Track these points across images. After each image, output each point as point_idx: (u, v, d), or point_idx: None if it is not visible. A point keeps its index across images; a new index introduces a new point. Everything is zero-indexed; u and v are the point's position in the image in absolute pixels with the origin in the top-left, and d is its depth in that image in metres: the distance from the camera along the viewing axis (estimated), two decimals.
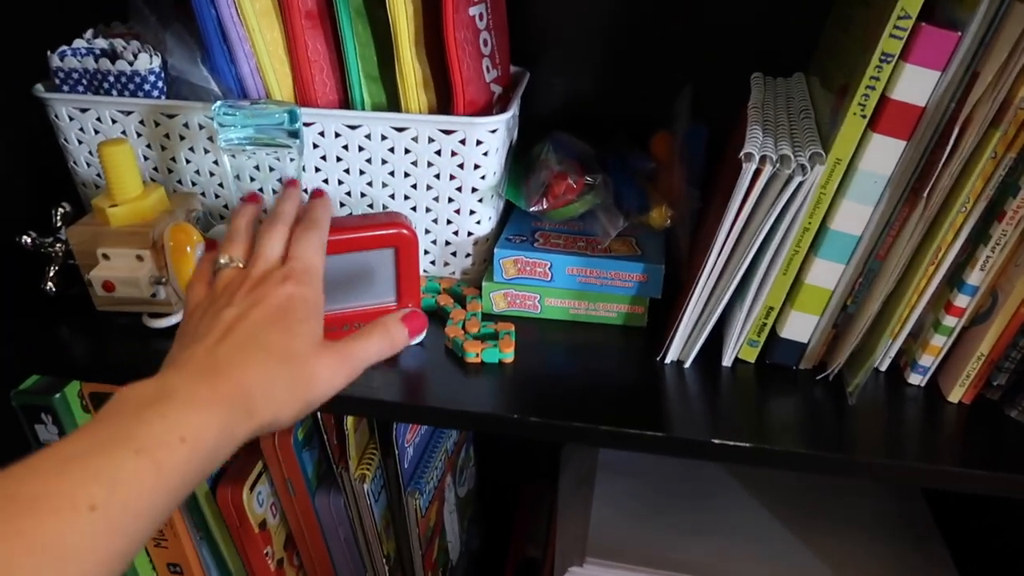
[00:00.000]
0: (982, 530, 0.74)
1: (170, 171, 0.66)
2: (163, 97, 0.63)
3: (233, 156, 0.61)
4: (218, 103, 0.57)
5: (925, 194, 0.49)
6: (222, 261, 0.47)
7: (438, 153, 0.62)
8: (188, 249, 0.59)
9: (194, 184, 0.66)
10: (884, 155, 0.50)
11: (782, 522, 0.75)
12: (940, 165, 0.48)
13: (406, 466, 0.70)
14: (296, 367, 0.41)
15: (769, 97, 0.63)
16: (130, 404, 0.35)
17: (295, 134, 0.59)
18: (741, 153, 0.51)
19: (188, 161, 0.65)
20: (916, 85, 0.47)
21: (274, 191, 0.65)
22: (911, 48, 0.46)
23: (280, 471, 0.71)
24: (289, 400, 0.41)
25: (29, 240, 0.61)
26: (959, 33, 0.46)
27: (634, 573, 0.69)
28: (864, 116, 0.49)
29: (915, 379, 0.57)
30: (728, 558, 0.71)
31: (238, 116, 0.57)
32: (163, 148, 0.65)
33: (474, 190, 0.63)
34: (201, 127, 0.63)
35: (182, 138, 0.64)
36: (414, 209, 0.65)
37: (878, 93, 0.48)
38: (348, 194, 0.65)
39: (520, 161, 0.70)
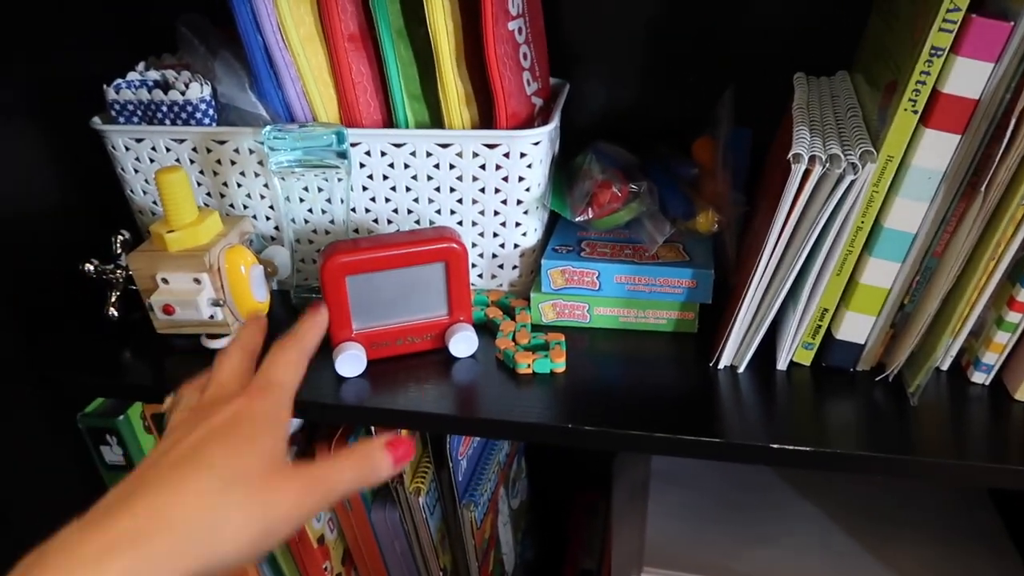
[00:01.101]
0: None
1: (222, 196, 0.68)
2: (214, 124, 0.65)
3: (283, 179, 0.63)
4: (268, 127, 0.59)
5: (983, 188, 0.48)
6: (169, 405, 0.43)
7: (482, 167, 0.62)
8: (243, 270, 0.60)
9: (246, 207, 0.68)
10: (937, 150, 0.49)
11: (842, 530, 0.73)
12: (997, 158, 0.47)
13: (460, 478, 0.71)
14: (249, 488, 0.35)
15: (814, 97, 0.62)
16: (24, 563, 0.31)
17: (343, 154, 0.60)
18: (790, 154, 0.50)
19: (239, 185, 0.67)
20: (968, 78, 0.46)
21: (323, 211, 0.66)
22: (962, 41, 0.46)
23: None
24: (240, 528, 0.34)
25: (92, 268, 0.63)
26: (1011, 23, 0.45)
27: None
28: (916, 111, 0.48)
29: (979, 378, 0.56)
30: (786, 567, 0.70)
31: (287, 139, 0.59)
32: (215, 174, 0.66)
33: (519, 202, 0.64)
34: (251, 152, 0.65)
35: (233, 163, 0.66)
36: (460, 223, 0.65)
37: (929, 88, 0.47)
38: (395, 211, 0.66)
39: (563, 172, 0.70)
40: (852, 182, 0.50)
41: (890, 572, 0.69)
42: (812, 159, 0.50)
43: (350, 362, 0.58)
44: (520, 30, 0.64)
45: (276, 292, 0.70)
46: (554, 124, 0.63)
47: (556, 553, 0.92)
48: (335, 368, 0.59)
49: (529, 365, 0.58)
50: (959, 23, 0.45)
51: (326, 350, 0.61)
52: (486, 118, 0.64)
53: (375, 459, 0.41)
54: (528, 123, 0.65)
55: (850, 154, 0.50)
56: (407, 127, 0.64)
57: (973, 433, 0.52)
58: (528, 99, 0.66)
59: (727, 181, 0.67)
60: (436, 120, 0.64)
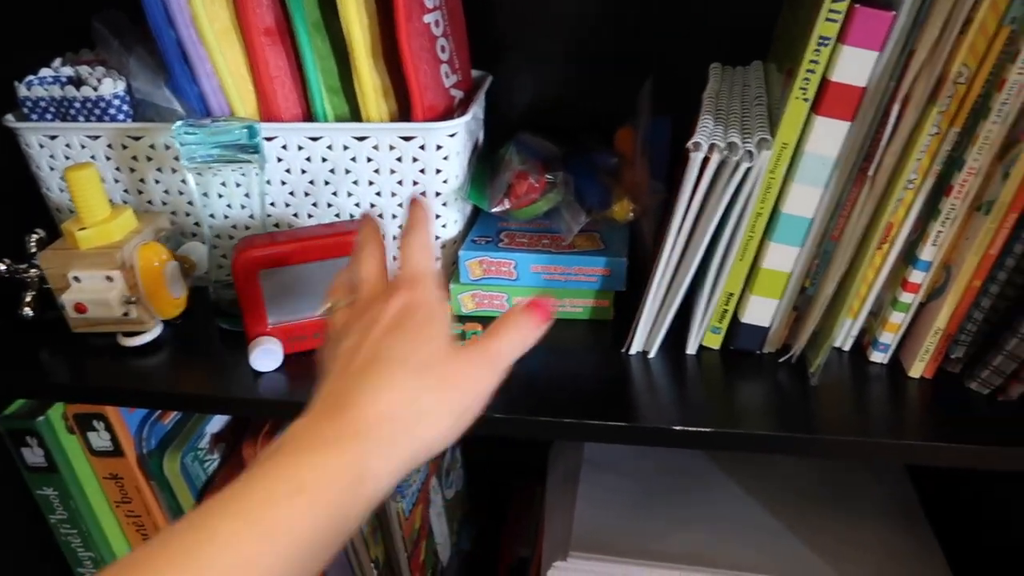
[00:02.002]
0: (964, 506, 0.74)
1: (140, 192, 0.67)
2: (129, 120, 0.64)
3: (199, 174, 0.62)
4: (178, 123, 0.59)
5: (871, 173, 0.50)
6: (328, 307, 0.45)
7: (399, 160, 0.63)
8: (157, 266, 0.60)
9: (164, 204, 0.67)
10: (829, 137, 0.50)
11: (766, 510, 0.75)
12: (883, 144, 0.49)
13: None
14: (436, 373, 0.38)
15: (725, 86, 0.64)
16: (258, 458, 0.34)
17: (255, 149, 0.60)
18: (689, 143, 0.51)
19: (157, 182, 0.66)
20: (855, 66, 0.48)
21: (242, 206, 0.66)
22: (848, 30, 0.47)
23: None
24: (441, 412, 0.37)
25: (4, 267, 0.62)
26: (893, 13, 0.47)
27: (617, 564, 0.70)
28: (807, 100, 0.50)
29: (877, 357, 0.58)
30: (711, 546, 0.71)
31: (199, 135, 0.59)
32: (132, 170, 0.66)
33: (437, 194, 0.64)
34: (167, 147, 0.64)
35: (149, 159, 0.65)
36: (380, 215, 0.66)
37: (818, 76, 0.49)
38: (315, 205, 0.66)
39: (487, 164, 0.71)
40: (749, 169, 0.51)
41: (810, 548, 0.71)
42: (711, 147, 0.51)
43: (265, 356, 0.58)
44: (437, 23, 0.65)
45: (195, 288, 0.70)
46: (470, 116, 0.64)
47: (493, 542, 0.93)
48: (250, 363, 0.59)
49: None
50: (844, 13, 0.47)
51: (245, 343, 0.61)
52: (405, 111, 0.64)
53: (527, 324, 0.42)
54: (447, 115, 0.65)
55: (748, 141, 0.51)
56: (327, 120, 0.64)
57: (872, 410, 0.53)
58: (447, 91, 0.66)
59: (646, 170, 0.68)
60: (356, 113, 0.64)
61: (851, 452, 0.51)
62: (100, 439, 0.69)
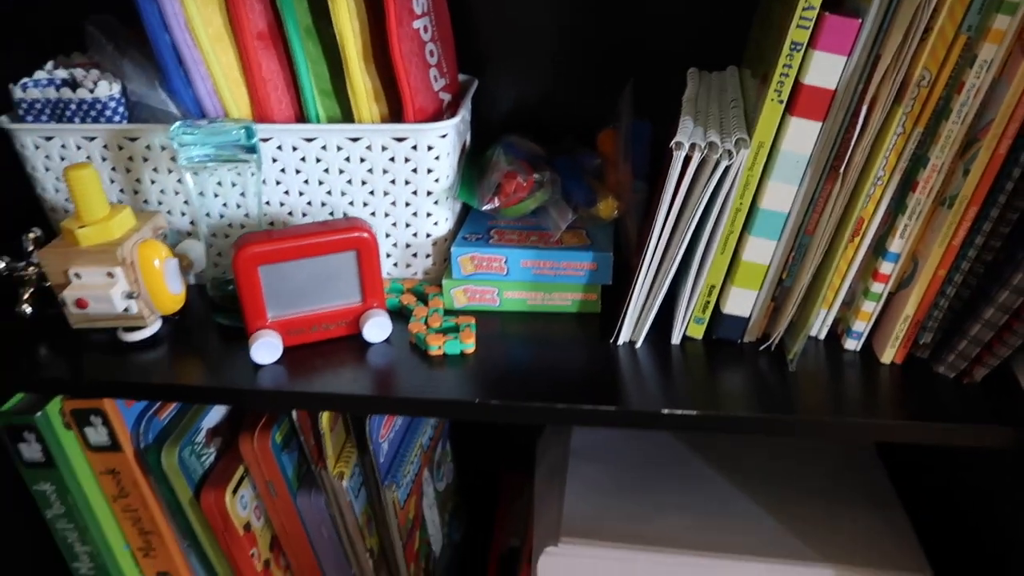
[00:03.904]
0: (934, 490, 0.78)
1: (136, 192, 0.68)
2: (124, 122, 0.66)
3: (196, 174, 0.64)
4: (177, 124, 0.60)
5: (842, 170, 0.53)
6: None
7: (392, 160, 0.65)
8: (156, 264, 0.62)
9: (160, 203, 0.69)
10: (802, 136, 0.53)
11: (746, 495, 0.78)
12: (853, 142, 0.52)
13: (382, 460, 0.73)
14: None
15: (703, 90, 0.67)
16: None
17: (252, 149, 0.61)
18: (672, 142, 0.54)
19: (153, 182, 0.68)
20: (825, 70, 0.51)
21: (237, 205, 0.67)
22: (818, 36, 0.50)
23: (261, 474, 0.73)
24: None
25: (3, 265, 0.63)
26: (860, 20, 0.50)
27: (606, 549, 0.73)
28: (781, 101, 0.53)
29: (851, 344, 0.61)
30: (695, 530, 0.74)
31: (197, 135, 0.60)
32: (128, 171, 0.67)
33: (429, 193, 0.66)
34: (163, 148, 0.66)
35: (145, 160, 0.67)
36: (373, 214, 0.68)
37: (791, 79, 0.52)
38: (309, 204, 0.68)
39: (474, 165, 0.73)
40: (728, 167, 0.54)
41: (788, 531, 0.74)
42: (692, 146, 0.54)
43: (265, 349, 0.60)
44: (426, 28, 0.67)
45: (193, 286, 0.72)
46: (460, 117, 0.66)
47: (484, 534, 0.95)
48: (251, 356, 0.60)
49: (440, 347, 0.61)
50: (814, 20, 0.50)
51: (242, 338, 0.62)
52: (396, 113, 0.67)
53: None
54: (436, 117, 0.67)
55: (727, 141, 0.54)
56: (319, 122, 0.66)
57: (846, 394, 0.57)
58: (435, 94, 0.68)
59: (628, 170, 0.71)
60: (347, 115, 0.66)
61: (826, 432, 0.54)
62: (97, 434, 0.70)
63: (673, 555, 0.72)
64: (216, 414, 0.76)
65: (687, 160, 0.54)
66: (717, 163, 0.54)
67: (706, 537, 0.74)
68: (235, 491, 0.73)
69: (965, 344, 0.55)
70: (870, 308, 0.59)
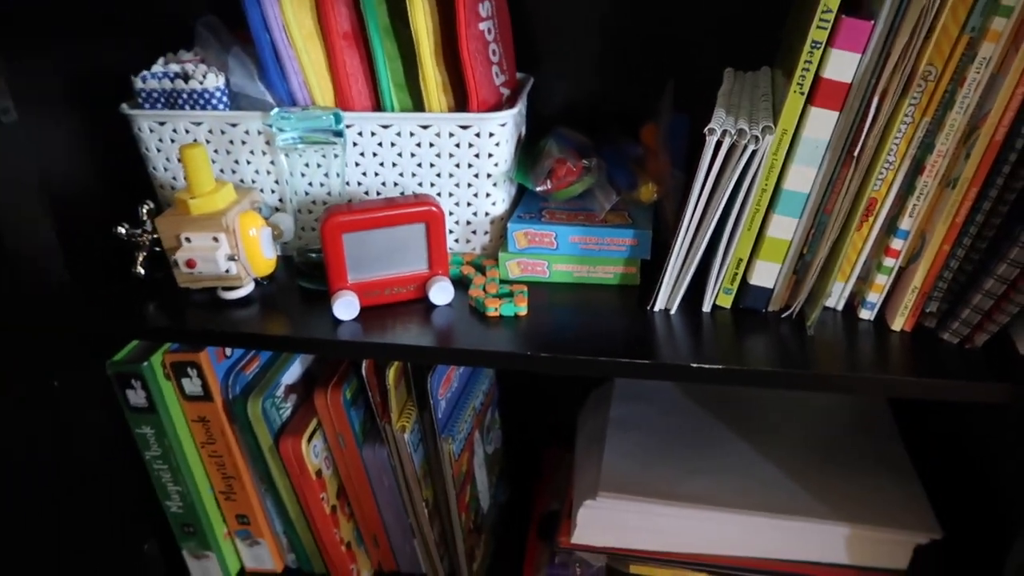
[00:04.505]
0: (945, 449, 0.83)
1: (233, 172, 0.78)
2: (227, 109, 0.76)
3: (287, 155, 0.74)
4: (275, 110, 0.70)
5: (856, 154, 0.60)
6: None
7: (457, 146, 0.73)
8: (253, 232, 0.71)
9: (253, 182, 0.79)
10: (821, 124, 0.61)
11: (772, 458, 0.85)
12: (866, 130, 0.59)
13: (440, 416, 0.81)
14: None
15: (737, 87, 0.74)
16: None
17: (339, 133, 0.71)
18: (705, 128, 0.62)
19: (248, 163, 0.78)
20: (842, 65, 0.58)
21: (320, 184, 0.77)
22: (835, 35, 0.58)
23: (332, 426, 0.82)
24: None
25: (124, 231, 0.74)
26: (872, 21, 0.57)
27: (641, 503, 0.80)
28: (803, 93, 0.60)
29: (865, 314, 0.68)
30: (724, 489, 0.81)
31: (292, 120, 0.70)
32: (227, 152, 0.77)
33: (489, 175, 0.75)
34: (259, 133, 0.76)
35: (243, 143, 0.76)
36: (439, 195, 0.76)
37: (812, 73, 0.59)
38: (383, 184, 0.77)
39: (529, 154, 0.81)
40: (755, 151, 0.61)
41: (804, 490, 0.80)
42: (724, 132, 0.62)
43: (345, 307, 0.69)
44: (489, 30, 0.76)
45: (280, 257, 0.81)
46: (518, 109, 0.75)
47: (526, 497, 1.03)
48: (333, 312, 0.69)
49: (496, 309, 0.70)
50: (832, 21, 0.57)
51: (323, 300, 0.72)
52: (461, 104, 0.75)
53: None
54: (497, 108, 0.76)
55: (754, 128, 0.61)
56: (394, 111, 0.75)
57: (858, 354, 0.63)
58: (496, 88, 0.77)
59: (667, 160, 0.79)
60: (418, 106, 0.75)
61: (840, 385, 0.61)
62: (192, 385, 0.80)
63: (702, 510, 0.80)
64: (294, 372, 0.85)
65: (718, 145, 0.62)
66: (745, 148, 0.61)
67: (732, 496, 0.81)
68: (309, 440, 0.82)
69: (968, 312, 0.62)
70: (883, 281, 0.65)
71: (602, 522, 0.83)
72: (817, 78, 0.59)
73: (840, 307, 0.69)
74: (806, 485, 0.81)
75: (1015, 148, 0.57)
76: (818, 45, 0.58)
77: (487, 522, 0.96)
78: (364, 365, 0.78)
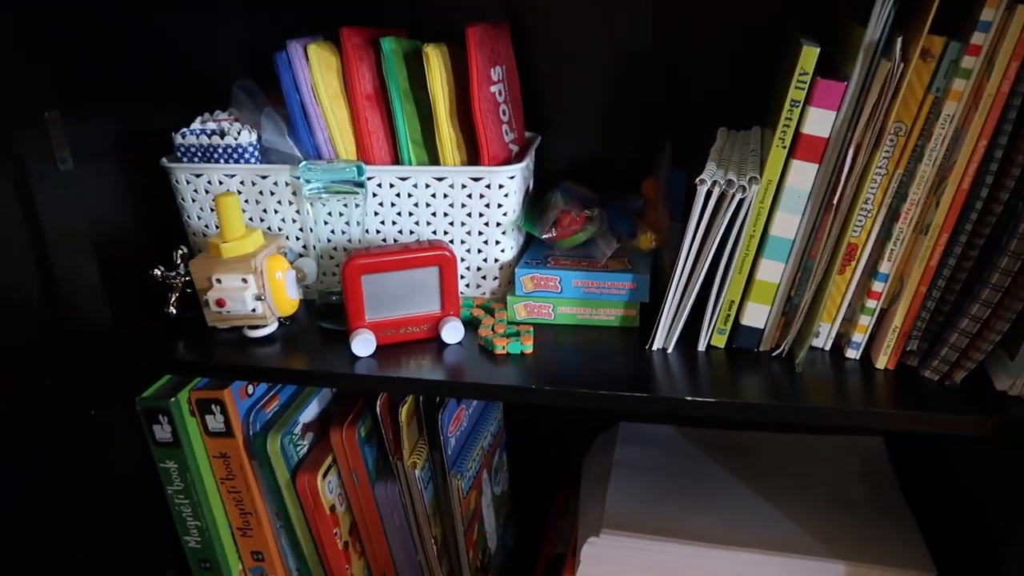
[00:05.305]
0: (940, 489, 0.86)
1: (262, 220, 0.84)
2: (258, 163, 0.82)
3: (312, 204, 0.80)
4: (303, 163, 0.76)
5: (835, 202, 0.65)
6: None
7: (469, 196, 0.79)
8: (279, 276, 0.77)
9: (280, 229, 0.85)
10: (803, 175, 0.66)
11: (771, 499, 0.88)
12: (843, 180, 0.64)
13: (449, 453, 0.85)
14: None
15: (729, 144, 0.80)
16: None
17: (361, 184, 0.77)
18: (697, 179, 0.67)
19: (276, 211, 0.84)
20: (819, 122, 0.64)
21: (342, 231, 0.83)
22: (812, 95, 0.63)
23: (347, 463, 0.86)
24: None
25: (159, 273, 0.79)
26: (845, 83, 0.63)
27: (643, 540, 0.82)
28: (784, 147, 0.66)
29: (851, 353, 0.72)
30: (724, 527, 0.84)
31: (317, 172, 0.76)
32: (257, 202, 0.84)
33: (498, 224, 0.80)
34: (287, 184, 0.82)
35: (272, 193, 0.83)
36: (452, 241, 0.82)
37: (792, 129, 0.65)
38: (400, 232, 0.83)
39: (536, 205, 0.87)
40: (742, 200, 0.67)
41: (802, 529, 0.83)
42: (714, 183, 0.67)
43: (363, 344, 0.74)
44: (500, 93, 0.83)
45: (302, 300, 0.86)
46: (526, 163, 0.81)
47: (534, 540, 1.05)
48: (351, 348, 0.74)
49: (504, 347, 0.74)
50: (808, 82, 0.63)
51: (342, 339, 0.76)
52: (473, 160, 0.82)
53: None
54: (506, 163, 0.82)
55: (742, 179, 0.67)
56: (411, 165, 0.81)
57: (844, 390, 0.67)
58: (506, 145, 0.84)
59: (666, 212, 0.84)
60: (433, 161, 0.81)
61: (827, 418, 0.65)
62: (215, 421, 0.84)
63: (703, 548, 0.82)
64: (311, 411, 0.90)
65: (709, 194, 0.67)
66: (733, 196, 0.67)
67: (732, 534, 0.83)
68: (324, 476, 0.86)
69: (946, 350, 0.66)
70: (866, 322, 0.70)
71: (605, 560, 0.85)
72: (797, 133, 0.65)
73: (828, 347, 0.73)
74: (804, 525, 0.84)
75: (980, 197, 0.62)
76: (797, 104, 0.64)
77: (494, 563, 0.99)
78: (379, 403, 0.83)
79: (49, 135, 0.70)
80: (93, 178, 0.77)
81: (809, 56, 0.62)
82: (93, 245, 0.76)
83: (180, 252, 0.81)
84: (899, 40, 0.60)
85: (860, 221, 0.66)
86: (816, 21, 0.85)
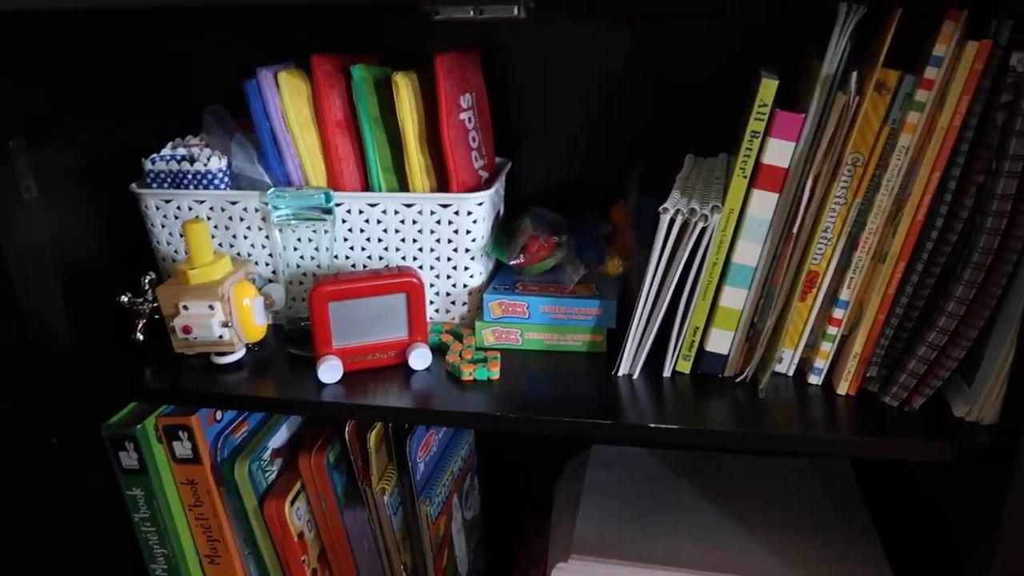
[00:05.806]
0: (905, 512, 0.86)
1: (231, 245, 0.84)
2: (228, 189, 0.82)
3: (281, 231, 0.80)
4: (272, 189, 0.77)
5: (795, 231, 0.66)
6: None
7: (438, 223, 0.80)
8: (247, 301, 0.77)
9: (249, 255, 0.85)
10: (763, 204, 0.67)
11: (741, 522, 0.88)
12: (803, 209, 0.65)
13: (418, 478, 0.85)
14: None
15: (695, 171, 0.81)
16: None
17: (329, 211, 0.77)
18: (660, 208, 0.68)
19: (245, 237, 0.84)
20: (779, 152, 0.65)
21: (311, 257, 0.83)
22: (772, 126, 0.65)
23: (315, 489, 0.86)
24: None
25: (127, 299, 0.79)
26: (804, 115, 0.64)
27: (611, 565, 0.82)
28: (745, 176, 0.67)
29: (814, 379, 0.72)
30: (694, 551, 0.84)
31: (286, 198, 0.76)
32: (227, 228, 0.84)
33: (467, 250, 0.81)
34: (256, 211, 0.82)
35: (241, 219, 0.83)
36: (421, 267, 0.82)
37: (752, 159, 0.66)
38: (369, 258, 0.83)
39: (506, 231, 0.88)
40: (704, 228, 0.68)
41: (770, 552, 0.83)
42: (676, 211, 0.68)
43: (330, 370, 0.74)
44: (470, 120, 0.84)
45: (271, 325, 0.86)
46: (495, 189, 0.82)
47: (505, 565, 1.05)
48: (318, 375, 0.74)
49: (471, 373, 0.74)
50: (768, 114, 0.64)
51: (309, 366, 0.76)
52: (442, 186, 0.82)
53: None
54: (475, 190, 0.83)
55: (704, 208, 0.68)
56: (381, 191, 0.82)
57: (807, 415, 0.68)
58: (476, 172, 0.84)
59: (634, 238, 0.85)
60: (403, 187, 0.82)
61: (790, 444, 0.65)
62: (183, 448, 0.83)
63: (671, 571, 0.82)
64: (280, 436, 0.89)
65: (672, 222, 0.68)
66: (695, 225, 0.68)
67: (700, 558, 0.83)
68: (292, 502, 0.86)
69: (904, 377, 0.67)
70: (828, 348, 0.70)
71: None
72: (758, 163, 0.66)
73: (791, 372, 0.74)
74: (771, 547, 0.84)
75: (936, 227, 0.63)
76: (757, 134, 0.65)
77: None
78: (347, 429, 0.83)
79: (13, 165, 0.70)
80: (58, 205, 0.77)
81: (768, 88, 0.64)
82: (58, 271, 0.75)
83: (148, 278, 0.81)
84: (854, 74, 0.62)
85: (820, 249, 0.67)
86: (785, 53, 0.86)
